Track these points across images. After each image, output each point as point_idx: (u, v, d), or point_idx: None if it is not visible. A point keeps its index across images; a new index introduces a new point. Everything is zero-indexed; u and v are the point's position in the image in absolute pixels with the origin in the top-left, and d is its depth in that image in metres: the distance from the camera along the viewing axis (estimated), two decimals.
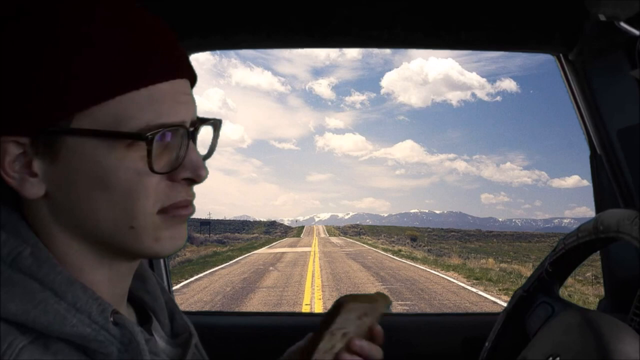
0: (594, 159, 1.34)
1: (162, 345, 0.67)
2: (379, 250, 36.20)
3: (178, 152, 0.56)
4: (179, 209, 0.57)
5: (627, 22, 0.94)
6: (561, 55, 1.28)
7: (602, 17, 0.95)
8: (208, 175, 0.59)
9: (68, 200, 0.55)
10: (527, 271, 21.46)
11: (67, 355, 0.51)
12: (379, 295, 0.71)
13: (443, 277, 17.85)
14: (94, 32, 0.52)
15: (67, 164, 0.53)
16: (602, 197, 1.33)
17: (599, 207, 1.34)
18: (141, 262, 0.70)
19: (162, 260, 1.43)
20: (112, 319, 0.54)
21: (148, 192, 0.55)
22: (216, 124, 0.62)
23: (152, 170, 0.54)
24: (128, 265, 0.62)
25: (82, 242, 0.57)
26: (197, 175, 0.57)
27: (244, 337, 1.36)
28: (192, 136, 0.58)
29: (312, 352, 0.64)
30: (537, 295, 0.94)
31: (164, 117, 0.54)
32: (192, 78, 0.60)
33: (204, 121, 0.60)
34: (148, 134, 0.53)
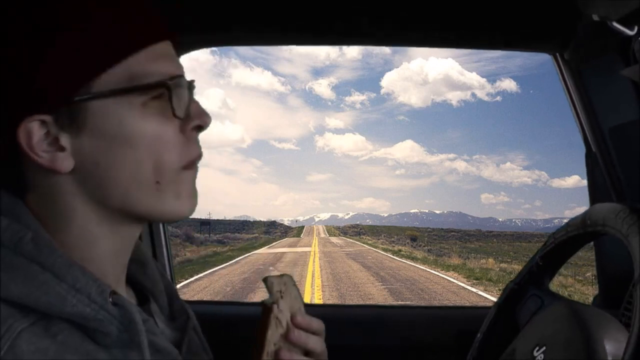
0: (589, 156, 1.35)
1: (161, 327, 0.69)
2: (379, 250, 36.17)
3: (185, 103, 0.61)
4: (194, 165, 0.63)
5: (620, 22, 0.96)
6: (557, 54, 1.30)
7: (595, 18, 0.97)
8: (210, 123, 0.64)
9: (96, 167, 0.57)
10: None
11: (67, 336, 0.53)
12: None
13: (443, 277, 17.85)
14: (96, 4, 0.56)
15: (93, 131, 0.56)
16: (597, 194, 1.35)
17: (593, 204, 1.36)
18: (141, 248, 0.74)
19: (164, 250, 1.45)
20: (110, 299, 0.56)
21: (169, 144, 0.59)
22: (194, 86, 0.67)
23: (174, 114, 0.59)
24: (136, 231, 0.65)
25: (103, 209, 0.59)
26: (204, 121, 0.63)
27: (244, 326, 1.38)
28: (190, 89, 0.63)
29: (263, 344, 0.66)
30: (528, 288, 0.96)
31: (169, 71, 0.59)
32: (175, 40, 0.65)
33: (191, 82, 0.65)
34: (167, 81, 0.58)
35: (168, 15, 0.63)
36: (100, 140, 0.56)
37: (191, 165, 0.62)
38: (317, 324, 0.71)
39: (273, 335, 0.66)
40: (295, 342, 0.67)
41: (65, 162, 0.56)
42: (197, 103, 0.63)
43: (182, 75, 0.61)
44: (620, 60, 1.12)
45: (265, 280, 0.69)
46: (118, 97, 0.56)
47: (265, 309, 0.67)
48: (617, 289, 1.19)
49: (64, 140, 0.56)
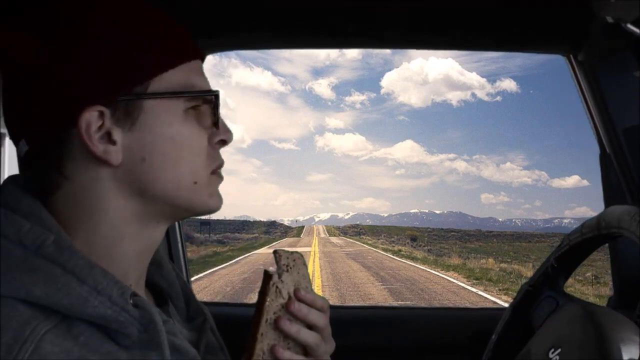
0: (603, 157, 1.34)
1: (178, 327, 0.69)
2: (379, 250, 36.22)
3: (215, 117, 0.66)
4: (220, 170, 0.68)
5: (634, 23, 0.96)
6: (571, 55, 1.29)
7: (609, 19, 0.97)
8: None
9: (143, 164, 0.60)
10: (527, 271, 21.50)
11: (89, 337, 0.54)
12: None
13: (443, 277, 17.87)
14: (159, 12, 0.64)
15: (144, 129, 0.60)
16: (611, 196, 1.34)
17: (608, 205, 1.35)
18: (158, 250, 0.74)
19: (180, 251, 1.46)
20: (131, 301, 0.56)
21: (203, 151, 0.65)
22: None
23: (215, 124, 0.65)
24: (161, 233, 0.67)
25: (139, 206, 0.62)
26: (228, 137, 0.68)
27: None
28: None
29: (262, 311, 0.66)
30: (543, 289, 0.96)
31: (207, 86, 0.66)
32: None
33: None
34: (215, 91, 0.65)
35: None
36: (149, 137, 0.60)
37: (217, 171, 0.67)
38: (321, 302, 0.71)
39: (272, 303, 0.66)
40: (295, 313, 0.67)
41: (116, 155, 0.59)
42: (222, 120, 0.67)
43: (217, 91, 0.66)
44: (635, 60, 1.12)
45: (275, 252, 0.70)
46: (169, 100, 0.61)
47: (266, 276, 0.67)
48: (632, 291, 1.19)
49: (116, 134, 0.59)
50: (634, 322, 0.79)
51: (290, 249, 0.73)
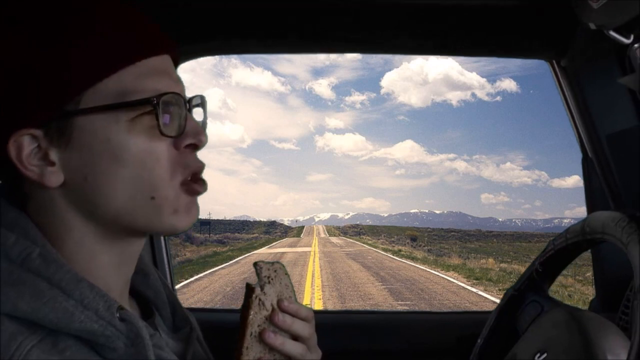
0: (585, 162, 1.37)
1: (165, 338, 0.69)
2: (379, 250, 36.18)
3: (179, 120, 0.60)
4: (197, 181, 0.62)
5: (616, 30, 0.96)
6: (554, 61, 1.30)
7: (592, 26, 0.98)
8: (207, 142, 0.63)
9: (86, 183, 0.57)
10: None
11: (75, 352, 0.53)
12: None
13: (443, 277, 17.85)
14: (90, 17, 0.57)
15: (81, 147, 0.56)
16: (594, 200, 1.36)
17: (590, 209, 1.37)
18: (143, 258, 0.73)
19: (165, 257, 1.46)
20: (118, 314, 0.56)
21: (161, 160, 0.58)
22: (203, 100, 0.66)
23: (161, 133, 0.57)
24: (137, 246, 0.65)
25: (97, 225, 0.59)
26: (199, 140, 0.61)
27: None
28: (189, 108, 0.62)
29: (246, 325, 0.66)
30: (527, 294, 0.97)
31: (160, 88, 0.58)
32: (176, 55, 0.65)
33: (191, 99, 0.64)
34: (153, 98, 0.57)
35: (166, 26, 0.63)
36: (88, 155, 0.56)
37: (188, 181, 0.61)
38: (306, 312, 0.70)
39: (256, 316, 0.66)
40: (280, 325, 0.67)
41: (54, 177, 0.56)
42: (193, 121, 0.62)
43: (174, 92, 0.59)
44: (618, 66, 1.13)
45: (255, 264, 0.69)
46: (105, 114, 0.56)
47: (248, 289, 0.67)
48: (614, 293, 1.20)
49: (54, 154, 0.56)
50: (616, 324, 0.81)
51: (271, 260, 0.72)
